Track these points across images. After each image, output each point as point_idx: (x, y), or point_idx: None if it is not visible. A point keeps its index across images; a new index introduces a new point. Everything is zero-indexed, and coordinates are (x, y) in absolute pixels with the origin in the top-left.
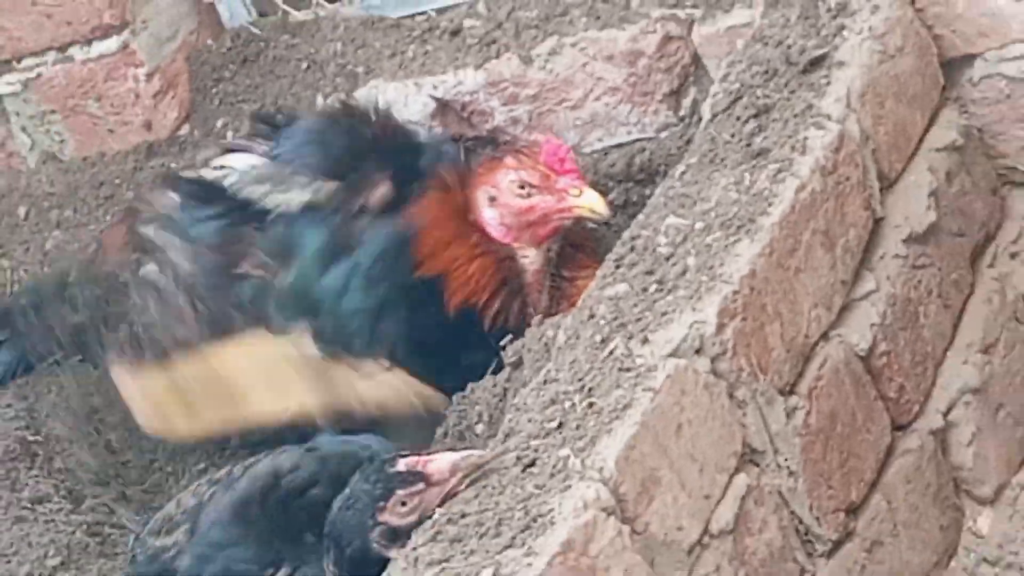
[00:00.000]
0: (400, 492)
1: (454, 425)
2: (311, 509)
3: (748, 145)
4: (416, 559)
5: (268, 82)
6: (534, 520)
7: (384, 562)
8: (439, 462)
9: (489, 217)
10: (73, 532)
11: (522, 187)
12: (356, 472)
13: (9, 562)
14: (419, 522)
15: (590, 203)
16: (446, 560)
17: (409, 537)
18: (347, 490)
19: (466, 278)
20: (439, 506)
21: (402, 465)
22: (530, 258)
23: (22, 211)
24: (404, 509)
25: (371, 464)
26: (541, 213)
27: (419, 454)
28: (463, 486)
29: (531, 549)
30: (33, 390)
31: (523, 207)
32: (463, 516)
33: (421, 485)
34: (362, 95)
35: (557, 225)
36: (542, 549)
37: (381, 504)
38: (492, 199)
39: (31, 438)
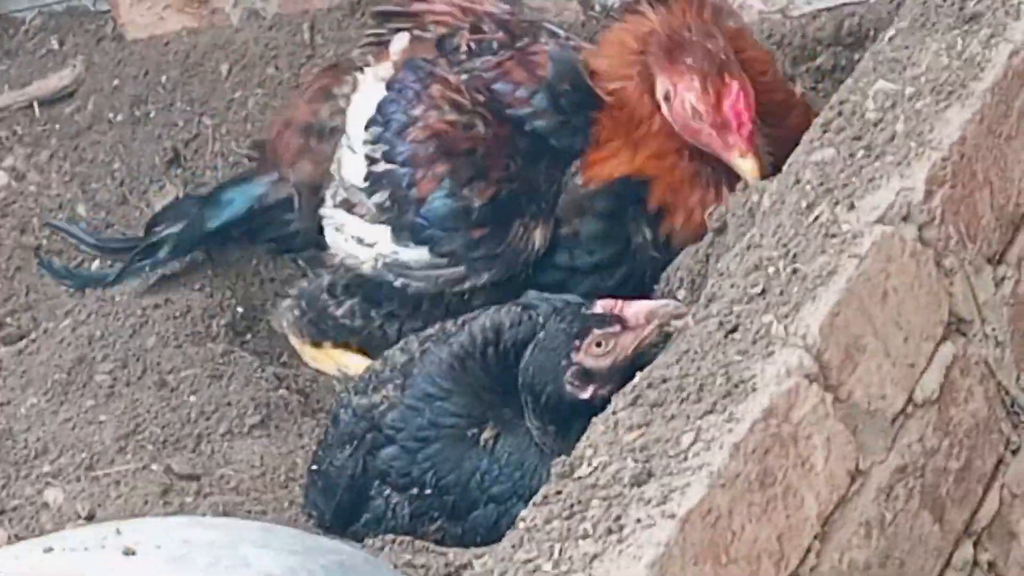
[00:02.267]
0: (596, 331)
1: (657, 290)
2: None
3: (960, 9)
4: (616, 423)
5: None
6: (736, 386)
7: (580, 406)
8: (636, 307)
9: (664, 110)
10: (275, 389)
11: (694, 112)
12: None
13: (208, 419)
14: (612, 366)
15: (748, 170)
16: (646, 424)
17: (602, 381)
18: (541, 333)
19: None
20: (632, 353)
21: (599, 307)
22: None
23: (224, 68)
24: (599, 350)
25: (568, 307)
26: (704, 141)
27: (616, 299)
28: (656, 335)
29: (732, 415)
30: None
31: (691, 127)
32: (664, 381)
33: (616, 327)
34: None
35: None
36: (743, 415)
37: (576, 343)
38: (667, 98)
39: (227, 301)
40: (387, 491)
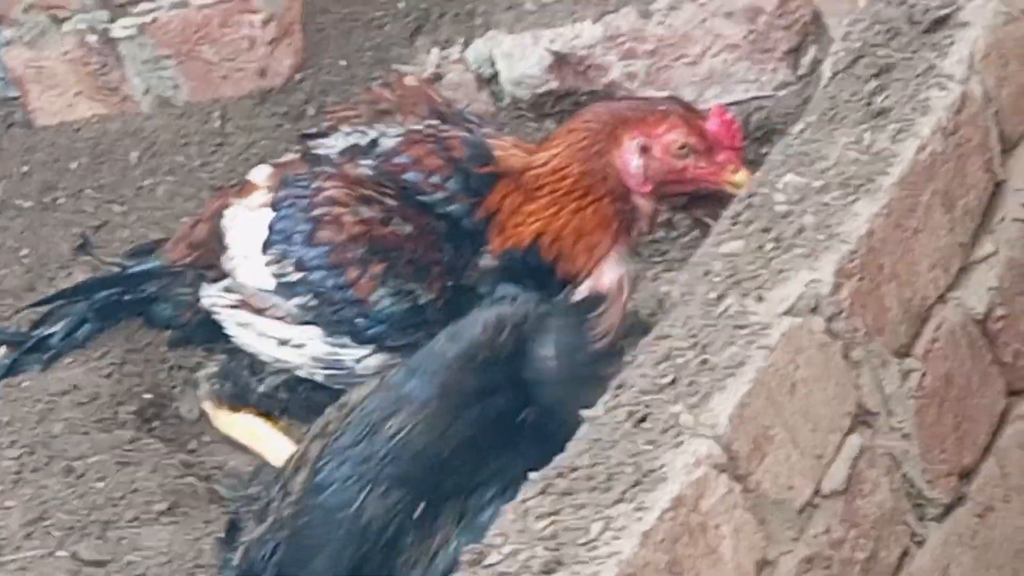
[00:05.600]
0: (591, 318)
1: None
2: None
3: (868, 104)
4: (526, 511)
5: (382, 31)
6: (645, 475)
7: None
8: (606, 277)
9: (632, 166)
10: (183, 476)
11: (681, 148)
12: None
13: (115, 506)
14: (612, 345)
15: (741, 181)
16: (556, 513)
17: (617, 359)
18: (549, 345)
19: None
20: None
21: (581, 292)
22: (643, 208)
23: (134, 156)
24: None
25: (555, 308)
26: (691, 177)
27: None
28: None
29: (641, 504)
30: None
31: (677, 167)
32: (574, 470)
33: (604, 305)
34: (479, 46)
35: (695, 190)
36: (652, 504)
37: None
38: (645, 149)
39: (135, 387)
40: None
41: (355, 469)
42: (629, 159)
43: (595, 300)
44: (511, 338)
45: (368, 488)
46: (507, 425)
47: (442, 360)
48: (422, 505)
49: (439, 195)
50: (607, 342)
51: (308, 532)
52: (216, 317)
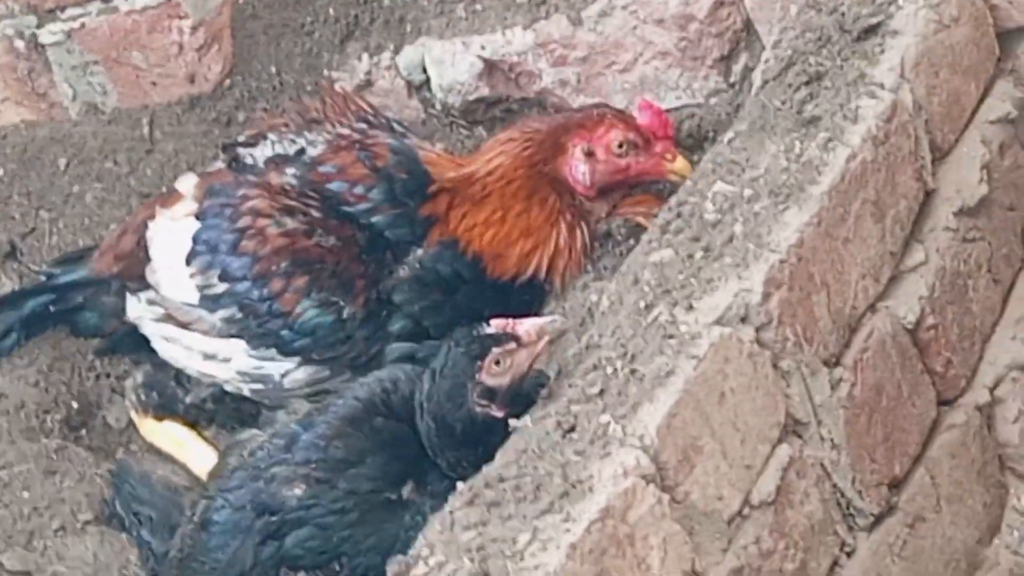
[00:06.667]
0: (496, 350)
1: None
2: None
3: (799, 113)
4: (453, 522)
5: (312, 38)
6: (573, 486)
7: (489, 430)
8: (527, 325)
9: (579, 171)
10: (110, 485)
11: (621, 146)
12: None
13: (41, 515)
14: (511, 383)
15: (682, 169)
16: (483, 524)
17: (504, 399)
18: (438, 360)
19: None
20: (528, 369)
21: (493, 327)
22: (594, 211)
23: (63, 162)
24: (498, 368)
25: (459, 332)
26: (635, 173)
27: (506, 319)
28: (548, 351)
29: (569, 515)
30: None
31: (621, 165)
32: (501, 480)
33: (513, 344)
34: (410, 53)
35: (640, 183)
36: (580, 515)
37: (479, 364)
38: (589, 154)
39: (62, 396)
40: None
41: (232, 516)
42: (575, 164)
43: (501, 339)
44: (388, 408)
45: (242, 537)
46: (384, 500)
47: (328, 422)
48: None
49: (363, 206)
50: (501, 384)
51: (192, 565)
52: (142, 330)
